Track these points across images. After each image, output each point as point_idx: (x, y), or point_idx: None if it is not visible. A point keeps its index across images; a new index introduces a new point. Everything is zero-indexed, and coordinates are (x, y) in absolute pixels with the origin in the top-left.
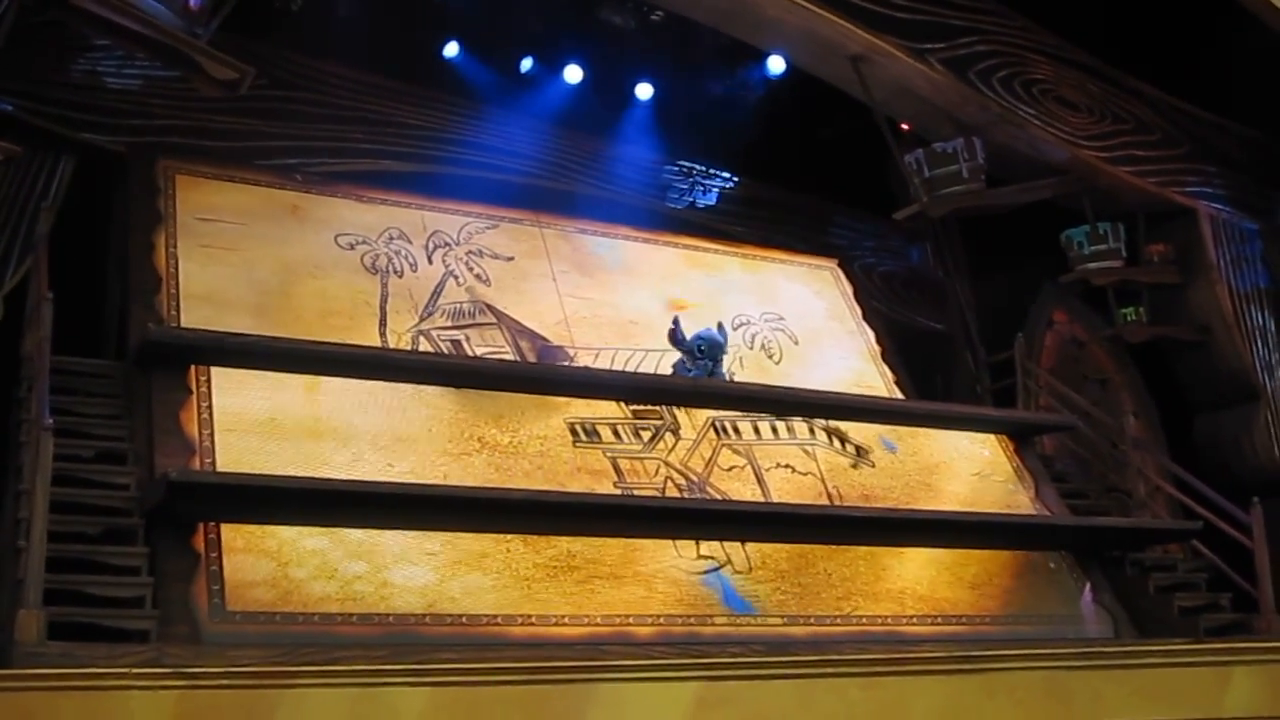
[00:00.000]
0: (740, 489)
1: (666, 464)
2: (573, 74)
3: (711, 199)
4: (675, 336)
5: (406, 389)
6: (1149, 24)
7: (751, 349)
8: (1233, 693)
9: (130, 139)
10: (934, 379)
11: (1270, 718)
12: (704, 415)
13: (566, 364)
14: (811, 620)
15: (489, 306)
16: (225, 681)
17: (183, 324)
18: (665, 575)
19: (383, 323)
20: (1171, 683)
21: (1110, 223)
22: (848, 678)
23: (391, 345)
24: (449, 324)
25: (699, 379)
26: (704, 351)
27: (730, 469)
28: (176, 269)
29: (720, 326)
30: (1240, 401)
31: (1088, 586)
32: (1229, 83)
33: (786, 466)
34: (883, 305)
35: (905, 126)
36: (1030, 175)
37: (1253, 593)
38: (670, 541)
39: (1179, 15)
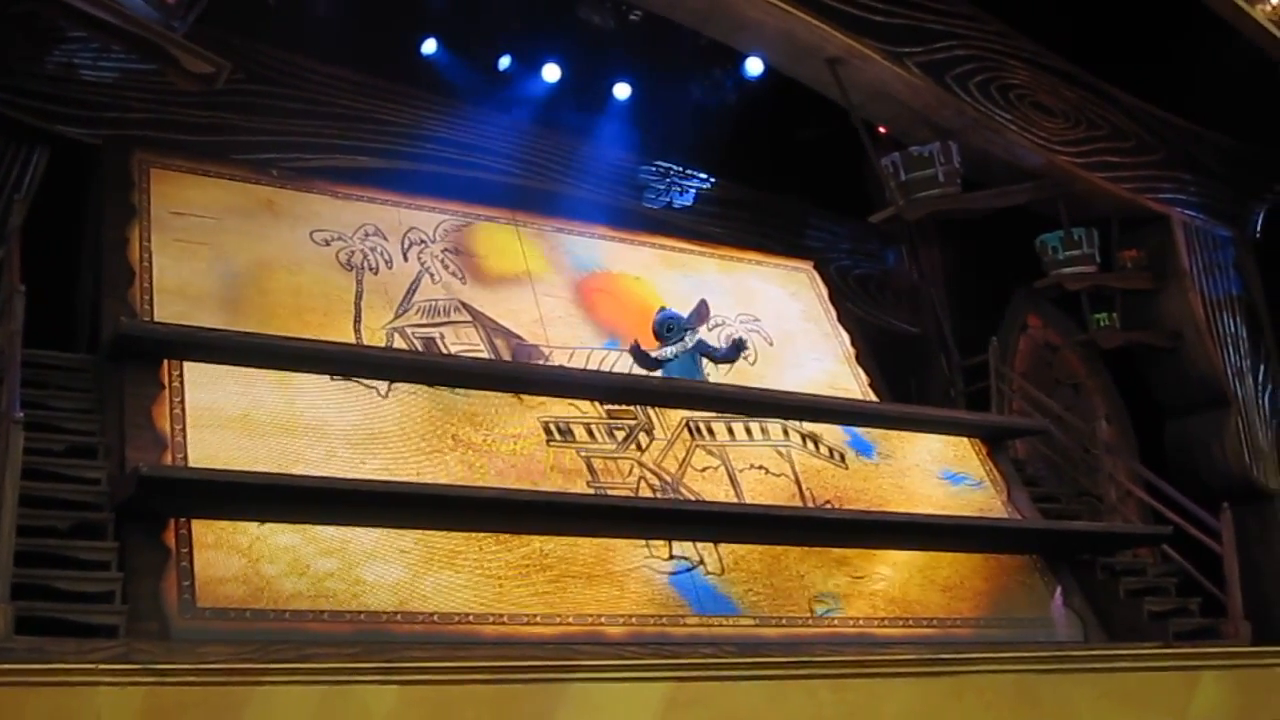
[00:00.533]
0: (713, 490)
1: (640, 464)
2: (551, 73)
3: (688, 200)
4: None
5: (380, 386)
6: (1125, 30)
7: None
8: (1200, 697)
9: (105, 132)
10: (908, 382)
11: None
12: (678, 415)
13: (541, 363)
14: (784, 621)
15: (464, 304)
16: (194, 678)
17: (156, 318)
18: (638, 575)
19: (357, 319)
20: (1140, 686)
21: (1084, 228)
22: (819, 679)
23: (366, 342)
24: (424, 321)
25: (673, 379)
26: (670, 330)
27: (704, 470)
28: (150, 263)
29: (702, 303)
30: (1211, 407)
31: (1058, 590)
32: (1204, 90)
33: (760, 468)
34: (858, 308)
35: (882, 129)
36: (1006, 180)
37: (1222, 598)
38: (643, 542)
39: (1155, 22)
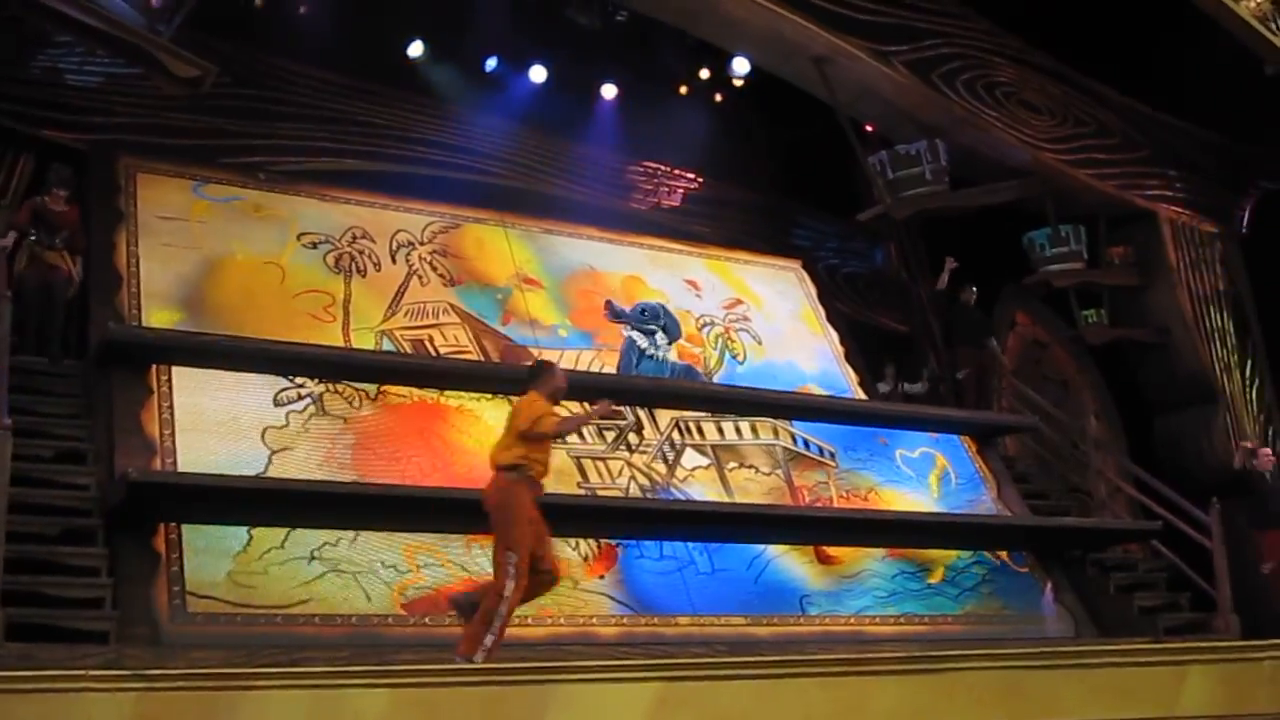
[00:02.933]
0: (703, 489)
1: (630, 465)
2: (537, 74)
3: (676, 199)
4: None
5: (370, 388)
6: (1111, 28)
7: (715, 349)
8: (1189, 691)
9: (91, 136)
10: (898, 379)
11: (1225, 716)
12: (668, 415)
13: (529, 363)
14: (775, 620)
15: (452, 306)
16: (184, 683)
17: (143, 323)
18: (629, 576)
19: (346, 322)
20: (1128, 681)
21: (1071, 225)
22: (808, 678)
23: (355, 345)
24: (412, 323)
25: (662, 379)
26: (646, 314)
27: (694, 469)
28: (137, 267)
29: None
30: (1199, 402)
31: (1048, 586)
32: (1190, 87)
33: (750, 467)
34: (846, 306)
35: (869, 128)
36: (993, 177)
37: (1211, 592)
38: (634, 542)
39: (1141, 20)
